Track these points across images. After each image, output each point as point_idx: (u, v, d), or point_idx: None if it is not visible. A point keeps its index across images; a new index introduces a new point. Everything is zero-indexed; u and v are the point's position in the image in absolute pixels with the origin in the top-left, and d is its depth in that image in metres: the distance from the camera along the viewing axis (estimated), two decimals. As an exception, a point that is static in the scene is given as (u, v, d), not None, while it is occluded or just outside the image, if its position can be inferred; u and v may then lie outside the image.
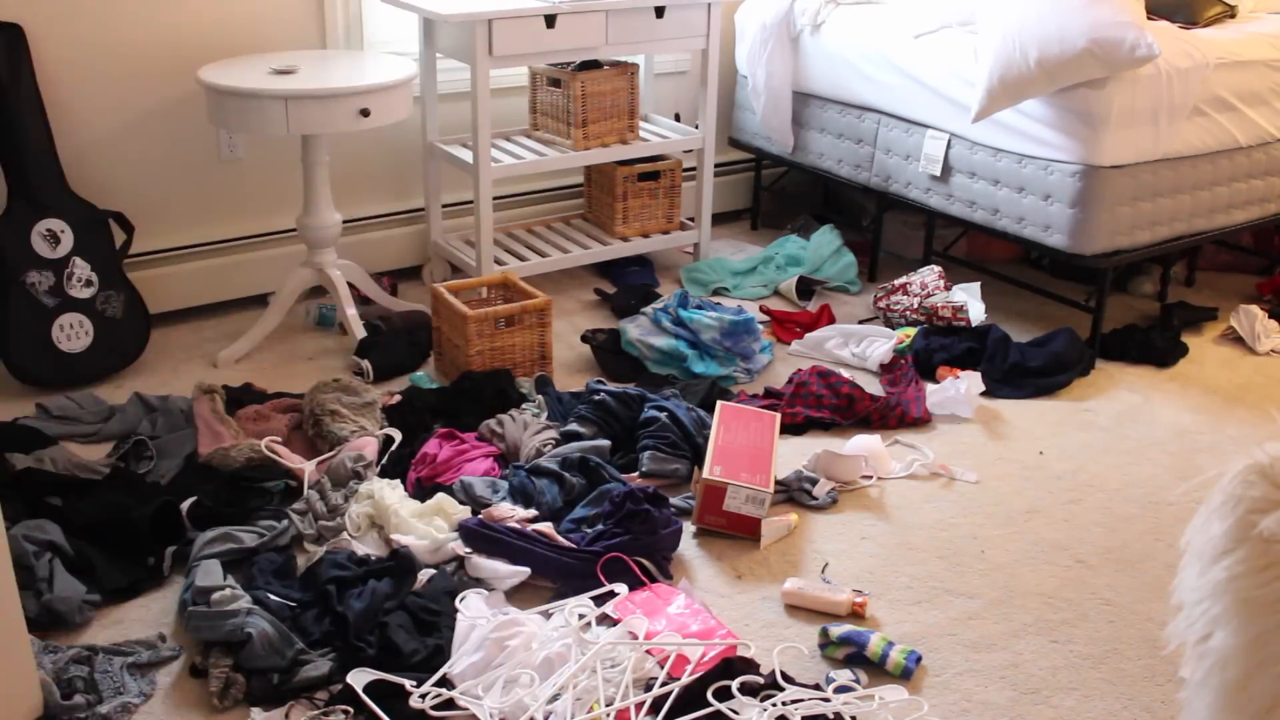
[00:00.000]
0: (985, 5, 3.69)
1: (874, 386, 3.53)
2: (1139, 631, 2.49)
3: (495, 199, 4.05)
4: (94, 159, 3.58)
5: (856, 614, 2.50)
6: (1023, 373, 3.55)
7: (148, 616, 2.46)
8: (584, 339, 3.67)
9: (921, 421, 3.34)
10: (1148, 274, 4.28)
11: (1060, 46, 3.38)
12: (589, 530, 2.69)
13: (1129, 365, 3.73)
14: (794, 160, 4.54)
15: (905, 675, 2.33)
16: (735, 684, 2.20)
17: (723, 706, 2.16)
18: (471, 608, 2.42)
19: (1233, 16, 4.14)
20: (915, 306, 3.82)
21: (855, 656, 2.36)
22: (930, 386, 3.46)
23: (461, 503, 2.78)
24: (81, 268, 3.39)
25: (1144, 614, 2.55)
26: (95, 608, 2.46)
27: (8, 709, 2.08)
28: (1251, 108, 3.77)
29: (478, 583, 2.54)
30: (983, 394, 3.45)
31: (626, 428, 3.13)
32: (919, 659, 2.36)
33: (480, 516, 2.70)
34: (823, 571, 2.66)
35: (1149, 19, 3.59)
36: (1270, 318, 3.96)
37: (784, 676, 2.26)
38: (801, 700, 2.20)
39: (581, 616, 2.39)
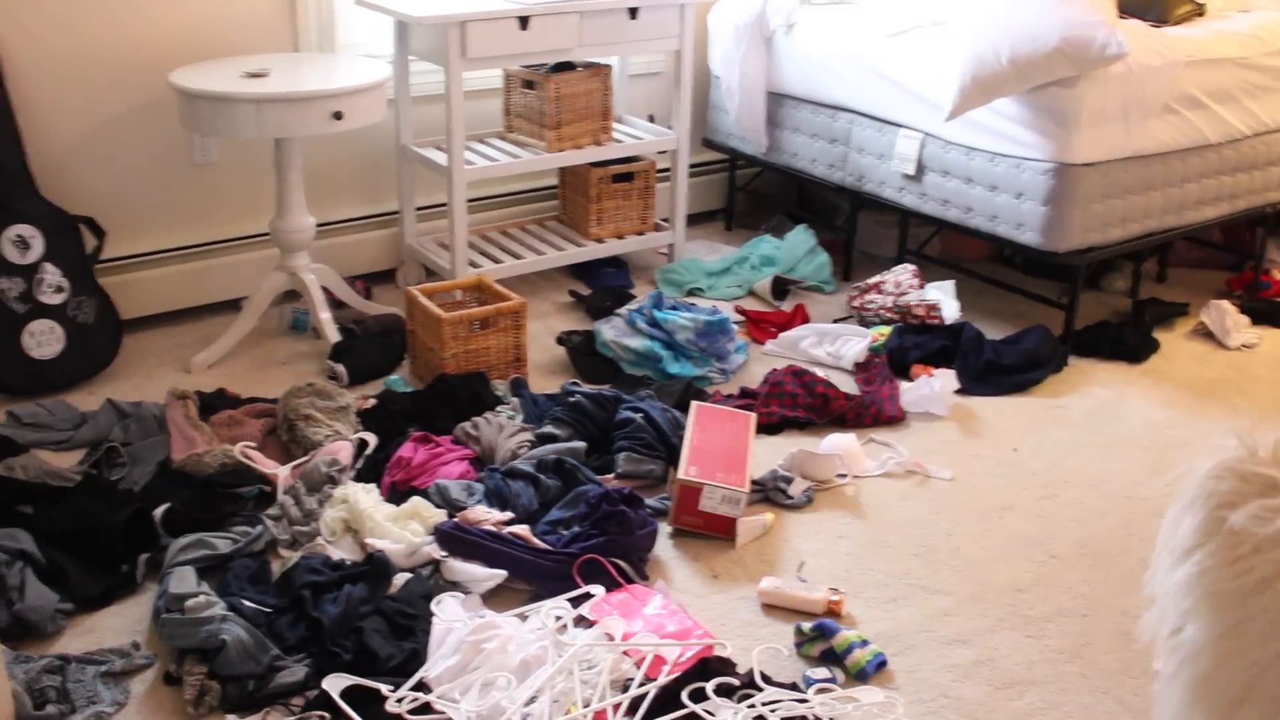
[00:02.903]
0: (957, 4, 3.70)
1: (849, 385, 3.53)
2: (1113, 625, 2.50)
3: (469, 201, 4.05)
4: (64, 164, 3.55)
5: (833, 612, 2.51)
6: (996, 370, 3.56)
7: (121, 624, 2.45)
8: (559, 341, 3.67)
9: (896, 420, 3.34)
10: (1120, 270, 4.30)
11: (1032, 45, 3.39)
12: (565, 532, 2.69)
13: (1101, 361, 3.75)
14: (768, 160, 4.55)
15: (860, 677, 2.33)
16: (710, 685, 2.19)
17: (698, 708, 2.16)
18: (448, 611, 2.41)
19: (1202, 14, 4.16)
20: (889, 305, 3.83)
21: (829, 653, 2.37)
22: (905, 385, 3.47)
23: (437, 506, 2.77)
24: (52, 274, 3.36)
25: (1118, 608, 2.56)
26: (68, 616, 2.45)
27: (-20, 719, 2.06)
28: (1221, 105, 3.79)
29: (454, 586, 2.54)
30: (957, 392, 3.46)
31: (602, 429, 3.13)
32: (883, 664, 2.35)
33: (456, 519, 2.69)
34: (799, 570, 2.67)
35: (1120, 17, 3.61)
36: (1241, 313, 3.99)
37: (763, 677, 2.26)
38: (779, 701, 2.20)
39: (558, 618, 2.39)
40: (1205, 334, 3.95)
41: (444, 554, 2.59)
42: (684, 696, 2.17)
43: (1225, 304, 3.97)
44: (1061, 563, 2.72)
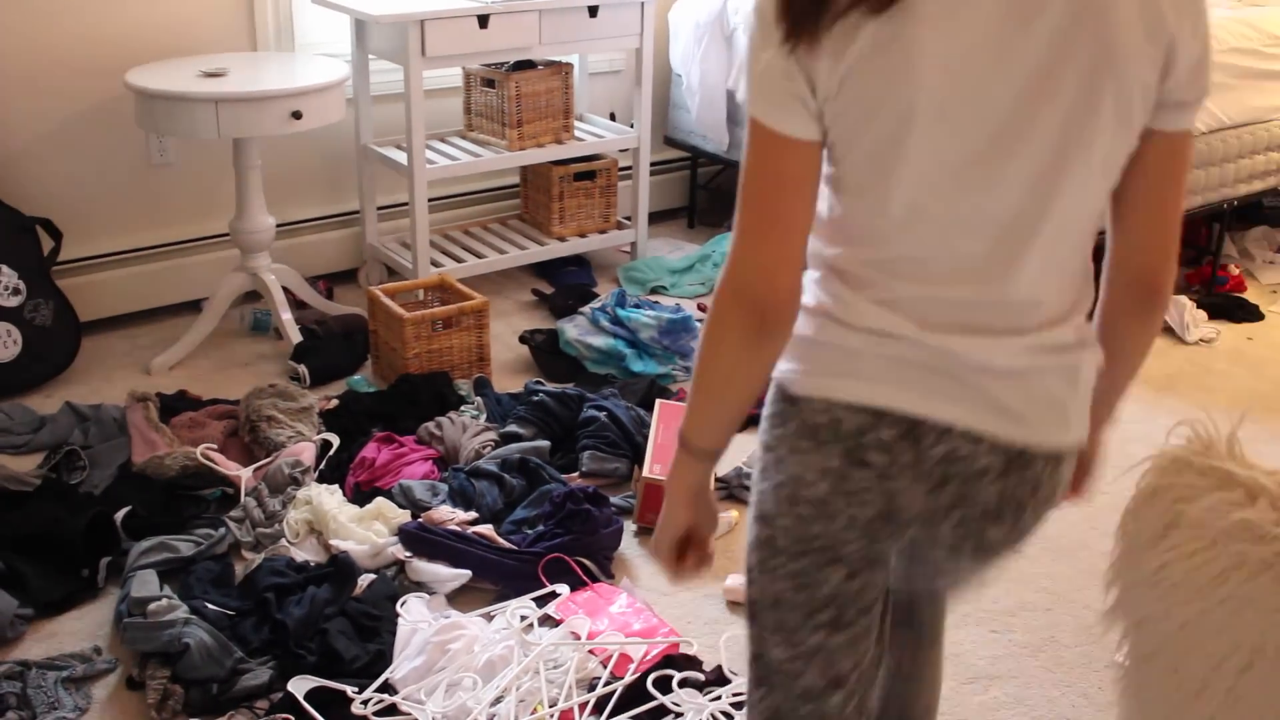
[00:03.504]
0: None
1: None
2: (1076, 619, 2.53)
3: (431, 201, 4.03)
4: (20, 165, 3.51)
5: None
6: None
7: (82, 629, 2.43)
8: (522, 340, 3.66)
9: (859, 416, 3.35)
10: (1079, 266, 4.34)
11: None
12: (530, 531, 2.69)
13: (1062, 356, 3.78)
14: (729, 158, 4.56)
15: None
16: (676, 678, 2.20)
17: (665, 700, 2.16)
18: (413, 612, 2.40)
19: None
20: (852, 302, 3.84)
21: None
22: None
23: (401, 506, 2.76)
24: (8, 276, 3.33)
25: (1081, 601, 2.58)
26: (28, 622, 2.42)
27: (-62, 727, 2.04)
28: (1177, 102, 3.82)
29: (419, 587, 2.53)
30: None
31: (566, 428, 3.13)
32: None
33: (420, 520, 2.68)
34: None
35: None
36: (1198, 308, 4.03)
37: (731, 672, 2.27)
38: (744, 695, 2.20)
39: (523, 618, 2.39)
40: (1164, 329, 3.99)
41: (408, 555, 2.58)
42: (649, 684, 2.17)
43: (1183, 299, 4.02)
44: (1025, 557, 2.73)
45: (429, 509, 2.73)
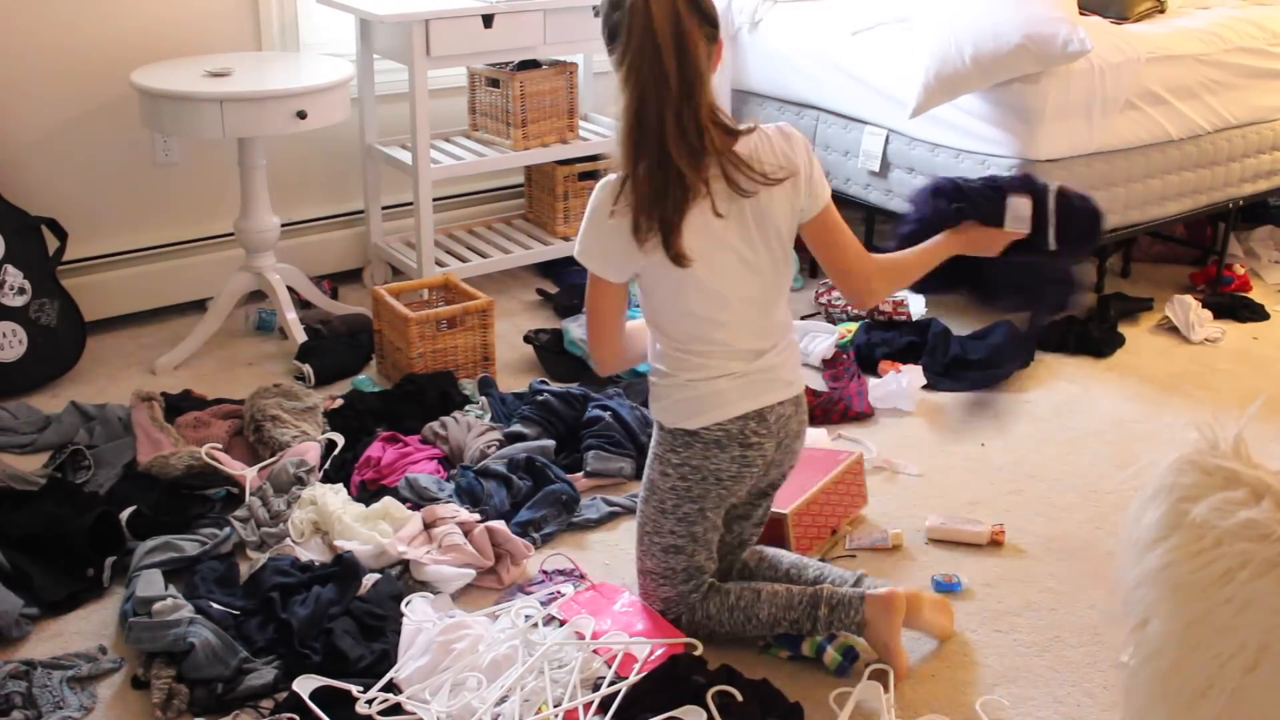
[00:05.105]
0: (921, 2, 3.72)
1: (816, 382, 3.54)
2: (1080, 619, 2.52)
3: (435, 200, 4.03)
4: (25, 164, 3.52)
5: (996, 542, 2.73)
6: (963, 365, 3.58)
7: (87, 628, 2.43)
8: (527, 339, 3.66)
9: (864, 416, 3.36)
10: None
11: (995, 42, 3.41)
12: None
13: (1067, 356, 3.77)
14: (734, 158, 4.55)
15: (841, 673, 2.33)
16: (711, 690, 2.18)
17: (678, 713, 2.15)
18: (417, 611, 2.40)
19: (1162, 11, 4.20)
20: (856, 301, 3.84)
21: (796, 658, 2.37)
22: (872, 381, 3.48)
23: (407, 498, 2.76)
24: (14, 275, 3.33)
25: (1085, 601, 2.58)
26: (33, 621, 2.43)
27: (-56, 726, 2.04)
28: (1182, 101, 3.82)
29: (423, 586, 2.53)
30: (924, 387, 3.47)
31: (570, 427, 3.13)
32: (856, 657, 2.36)
33: (421, 514, 2.68)
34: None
35: (1081, 14, 3.64)
36: (1204, 307, 4.02)
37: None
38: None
39: (528, 617, 2.39)
40: (1169, 329, 3.98)
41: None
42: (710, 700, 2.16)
43: (1189, 299, 4.01)
44: (1029, 557, 2.74)
45: (435, 500, 2.74)
